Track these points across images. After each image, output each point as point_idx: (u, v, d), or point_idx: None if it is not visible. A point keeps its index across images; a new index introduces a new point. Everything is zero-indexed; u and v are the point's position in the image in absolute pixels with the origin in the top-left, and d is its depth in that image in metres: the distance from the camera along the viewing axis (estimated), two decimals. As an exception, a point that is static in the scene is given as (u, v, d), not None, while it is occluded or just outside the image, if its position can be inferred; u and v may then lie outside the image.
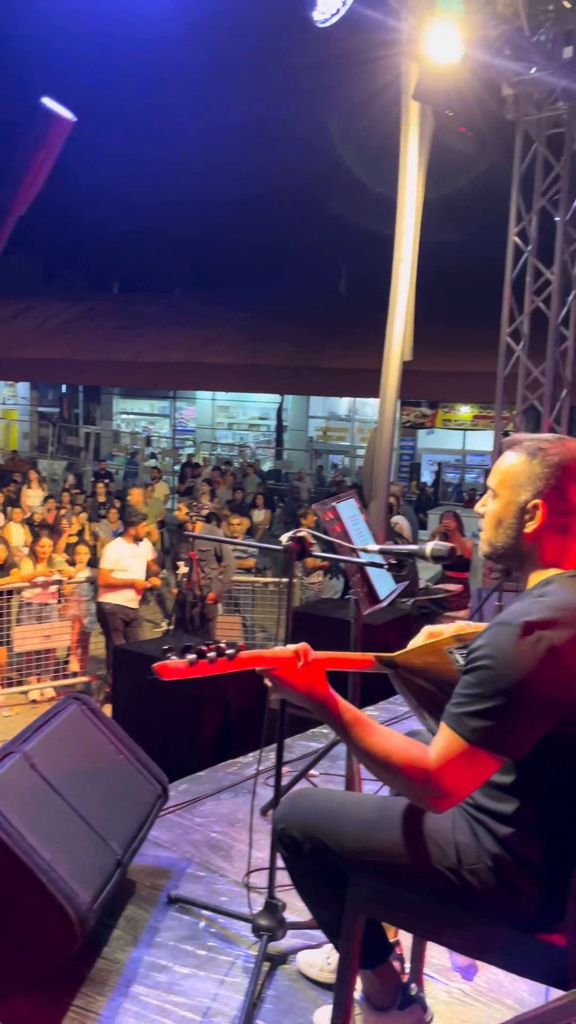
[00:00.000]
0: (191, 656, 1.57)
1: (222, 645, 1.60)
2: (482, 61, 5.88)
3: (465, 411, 21.85)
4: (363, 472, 8.56)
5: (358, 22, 5.53)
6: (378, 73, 6.55)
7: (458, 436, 22.28)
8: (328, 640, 3.06)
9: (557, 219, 6.88)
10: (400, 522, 9.87)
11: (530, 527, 1.68)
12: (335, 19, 4.66)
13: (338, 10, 4.61)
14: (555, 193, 6.90)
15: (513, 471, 1.71)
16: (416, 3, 5.24)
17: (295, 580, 8.15)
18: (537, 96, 6.84)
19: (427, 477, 21.69)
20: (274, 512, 14.89)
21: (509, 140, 7.01)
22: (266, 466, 22.21)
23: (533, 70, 6.39)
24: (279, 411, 23.96)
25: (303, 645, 1.68)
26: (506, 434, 7.65)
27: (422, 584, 8.67)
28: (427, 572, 8.94)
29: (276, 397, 23.73)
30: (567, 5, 6.41)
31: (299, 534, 2.46)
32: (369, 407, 21.95)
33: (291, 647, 1.67)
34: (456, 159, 6.69)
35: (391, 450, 7.75)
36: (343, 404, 24.51)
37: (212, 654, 1.59)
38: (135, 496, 11.62)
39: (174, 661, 1.56)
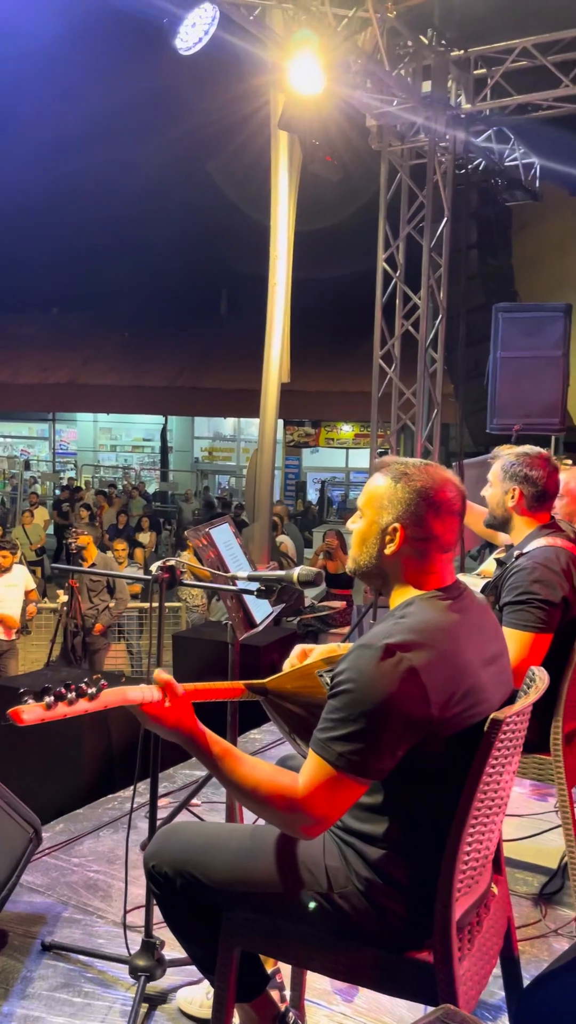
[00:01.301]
0: (48, 699, 1.52)
1: (83, 685, 1.56)
2: (345, 93, 6.06)
3: (347, 430, 22.32)
4: (246, 493, 8.60)
5: (225, 51, 5.61)
6: (249, 99, 6.66)
7: (341, 454, 22.74)
8: (213, 663, 3.06)
9: (423, 246, 7.14)
10: (285, 541, 9.96)
11: (389, 549, 1.72)
12: (198, 47, 4.70)
13: (200, 39, 4.66)
14: (420, 221, 7.16)
15: (378, 493, 1.75)
16: (278, 35, 5.36)
17: (180, 604, 8.02)
18: (400, 127, 7.10)
19: (313, 495, 21.99)
20: (159, 535, 14.73)
21: (375, 169, 7.25)
22: (152, 488, 21.97)
23: (395, 103, 6.63)
24: (163, 432, 23.79)
25: (169, 680, 1.66)
26: (382, 453, 7.86)
27: (307, 602, 8.76)
28: (312, 590, 9.04)
29: (160, 418, 23.56)
30: (424, 41, 6.71)
31: (169, 563, 2.44)
32: (254, 427, 22.06)
33: (158, 680, 1.65)
34: (329, 189, 6.85)
35: (272, 470, 7.83)
36: (228, 424, 24.60)
37: (71, 695, 1.55)
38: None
39: (30, 706, 1.51)
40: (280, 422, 20.64)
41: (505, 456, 2.87)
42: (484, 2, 6.20)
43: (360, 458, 21.33)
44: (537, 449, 2.89)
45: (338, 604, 8.32)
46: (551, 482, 2.83)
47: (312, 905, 1.70)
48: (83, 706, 1.55)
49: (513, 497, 2.83)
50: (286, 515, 14.33)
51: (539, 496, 2.82)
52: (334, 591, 8.64)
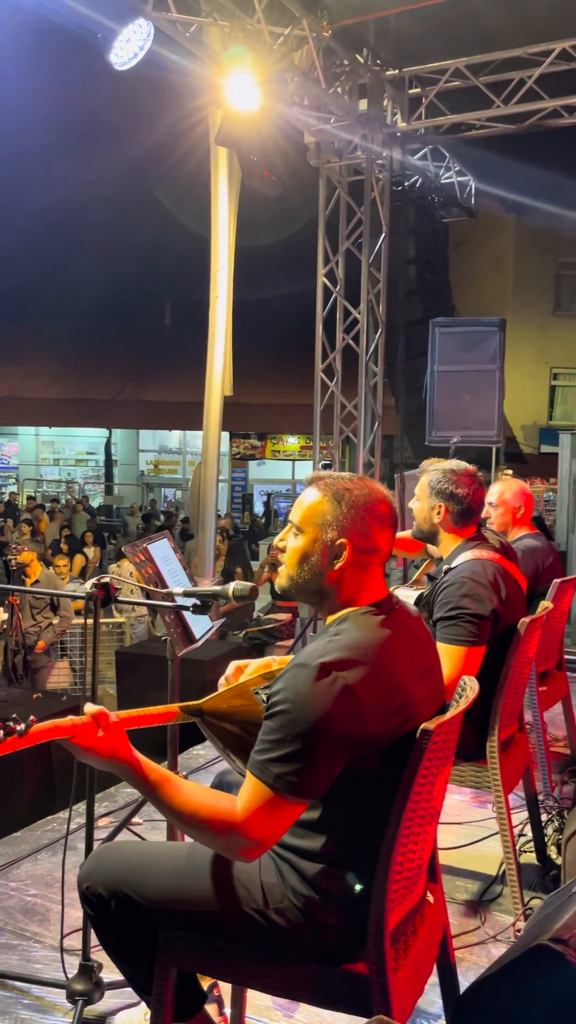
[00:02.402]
0: (-26, 739, 1.50)
1: (11, 723, 1.54)
2: (282, 110, 6.13)
3: (293, 442, 22.42)
4: (189, 506, 8.57)
5: (162, 66, 5.62)
6: (188, 113, 6.67)
7: (287, 466, 22.82)
8: (156, 680, 3.03)
9: (362, 261, 7.23)
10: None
11: (337, 565, 1.71)
12: (133, 63, 4.70)
13: (135, 54, 4.67)
14: (358, 237, 7.26)
15: (319, 510, 1.73)
16: (215, 51, 5.40)
17: (124, 620, 7.91)
18: (337, 144, 7.20)
19: (260, 507, 22.00)
20: (104, 549, 14.56)
21: (314, 185, 7.33)
22: (96, 502, 21.72)
23: (332, 120, 6.72)
24: (107, 445, 23.57)
25: (100, 710, 1.64)
26: (326, 466, 7.92)
27: (254, 615, 8.76)
28: (258, 603, 9.03)
29: (104, 431, 23.34)
30: (360, 60, 6.82)
31: (103, 580, 2.42)
32: (200, 439, 22.03)
33: (89, 712, 1.63)
34: (269, 204, 6.90)
35: (217, 483, 7.80)
36: (174, 436, 24.48)
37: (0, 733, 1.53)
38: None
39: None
40: (226, 435, 20.70)
41: (432, 472, 2.92)
42: (417, 23, 6.32)
43: (306, 470, 21.40)
44: (463, 465, 2.95)
45: (284, 616, 8.34)
46: (476, 498, 2.89)
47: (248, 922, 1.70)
48: (13, 744, 1.53)
49: (439, 513, 2.89)
50: (231, 528, 14.32)
51: (464, 512, 2.88)
52: (280, 603, 8.66)
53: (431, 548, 3.21)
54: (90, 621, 2.39)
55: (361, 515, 1.71)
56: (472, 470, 2.92)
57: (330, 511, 1.72)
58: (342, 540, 1.71)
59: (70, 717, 1.62)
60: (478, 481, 2.90)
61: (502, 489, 3.98)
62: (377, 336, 7.38)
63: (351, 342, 7.38)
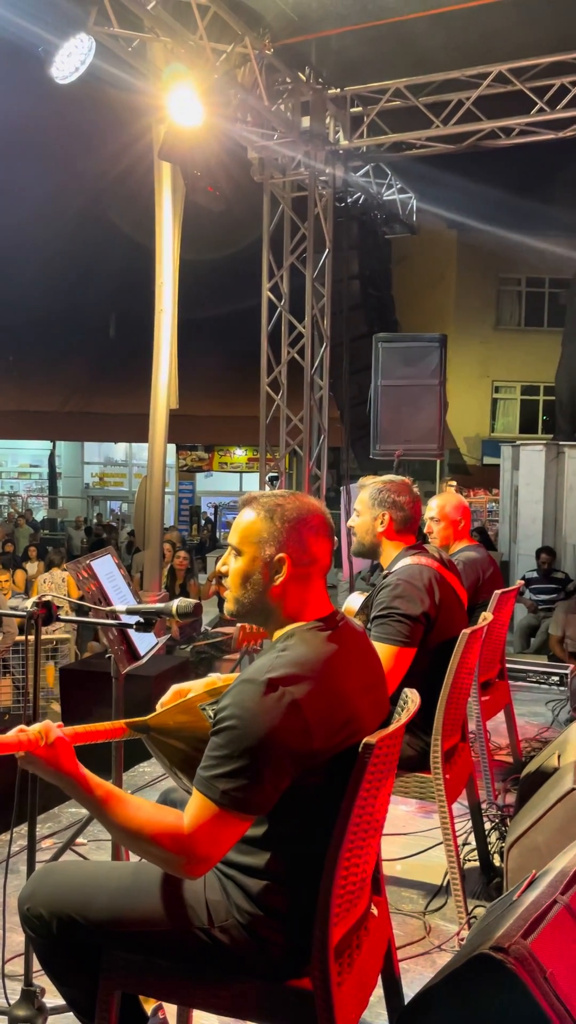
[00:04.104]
0: None
1: None
2: (225, 126, 6.17)
3: (240, 454, 22.43)
4: (135, 519, 8.50)
5: (105, 80, 5.61)
6: (132, 127, 6.67)
7: (235, 478, 22.81)
8: (102, 696, 3.01)
9: (306, 276, 7.30)
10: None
11: (278, 580, 1.73)
12: (75, 77, 4.69)
13: (77, 69, 4.65)
14: (302, 252, 7.33)
15: (255, 528, 1.76)
16: (157, 67, 5.41)
17: (68, 636, 7.78)
18: (281, 160, 7.27)
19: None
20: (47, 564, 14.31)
21: (258, 200, 7.38)
22: (39, 515, 21.39)
23: (275, 137, 6.79)
24: (51, 457, 23.24)
25: (45, 724, 1.63)
26: (273, 478, 7.95)
27: (201, 628, 8.70)
28: (207, 616, 8.98)
29: (48, 443, 23.02)
30: (303, 78, 6.91)
31: (45, 598, 2.39)
32: (147, 451, 21.87)
33: (35, 727, 1.62)
34: (214, 218, 6.92)
35: (162, 496, 7.77)
36: (120, 449, 24.26)
37: None
38: None
39: None
40: (173, 447, 20.62)
41: (371, 485, 3.01)
42: (358, 43, 6.43)
43: (254, 482, 21.44)
44: (399, 477, 3.06)
45: (231, 630, 8.29)
46: (415, 507, 3.01)
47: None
48: None
49: (383, 522, 2.95)
50: (179, 541, 14.21)
51: (406, 520, 2.98)
52: (227, 617, 8.61)
53: None
54: (32, 638, 2.36)
55: (296, 528, 1.74)
56: (408, 482, 3.03)
57: (265, 528, 1.74)
58: (281, 555, 1.73)
59: (18, 728, 1.61)
60: (414, 493, 3.03)
61: (442, 503, 4.05)
62: (322, 350, 7.45)
63: (296, 356, 7.44)
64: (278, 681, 1.58)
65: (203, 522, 21.14)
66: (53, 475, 23.26)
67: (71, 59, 4.63)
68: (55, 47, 4.64)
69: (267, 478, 7.93)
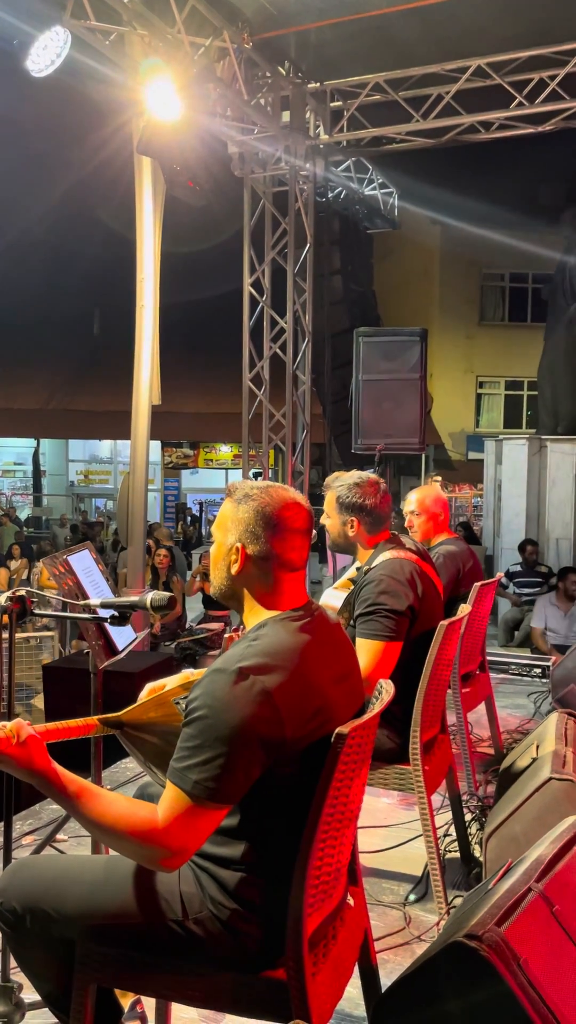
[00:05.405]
0: None
1: None
2: (205, 120, 6.14)
3: (225, 450, 22.39)
4: (118, 516, 8.48)
5: (83, 74, 5.58)
6: (111, 121, 6.63)
7: (220, 475, 22.76)
8: (84, 692, 3.00)
9: (287, 271, 7.29)
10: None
11: (234, 569, 1.76)
12: (51, 70, 4.65)
13: (53, 62, 4.62)
14: (284, 247, 7.31)
15: (224, 515, 1.80)
16: (135, 60, 5.38)
17: (51, 634, 7.74)
18: (262, 155, 7.25)
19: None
20: (32, 561, 14.27)
21: (239, 195, 7.36)
22: (24, 513, 21.29)
23: (255, 132, 6.77)
24: (35, 455, 23.13)
25: (17, 722, 1.62)
26: (256, 474, 7.94)
27: (186, 625, 8.70)
28: (191, 612, 8.99)
29: (32, 441, 22.91)
30: (282, 72, 6.89)
31: (19, 593, 2.38)
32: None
33: (7, 725, 1.61)
34: (195, 213, 6.89)
35: (146, 493, 7.73)
36: (104, 446, 24.17)
37: None
38: None
39: None
40: (157, 444, 20.54)
41: (337, 487, 2.96)
42: (337, 38, 6.42)
43: (239, 479, 21.40)
44: (366, 475, 2.99)
45: (216, 626, 8.29)
46: (383, 505, 2.95)
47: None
48: None
49: (352, 527, 2.94)
50: (166, 538, 14.18)
51: (376, 521, 2.95)
52: (212, 612, 8.62)
53: None
54: (6, 635, 2.35)
55: (255, 519, 1.75)
56: (375, 479, 2.97)
57: (230, 516, 1.78)
58: (237, 544, 1.76)
59: None
60: (382, 489, 2.97)
61: (421, 497, 4.05)
62: (304, 345, 7.44)
63: (278, 351, 7.43)
64: (249, 670, 1.58)
65: (189, 519, 21.12)
66: (37, 473, 23.15)
67: (47, 52, 4.60)
68: (31, 39, 4.60)
69: (251, 474, 7.92)
